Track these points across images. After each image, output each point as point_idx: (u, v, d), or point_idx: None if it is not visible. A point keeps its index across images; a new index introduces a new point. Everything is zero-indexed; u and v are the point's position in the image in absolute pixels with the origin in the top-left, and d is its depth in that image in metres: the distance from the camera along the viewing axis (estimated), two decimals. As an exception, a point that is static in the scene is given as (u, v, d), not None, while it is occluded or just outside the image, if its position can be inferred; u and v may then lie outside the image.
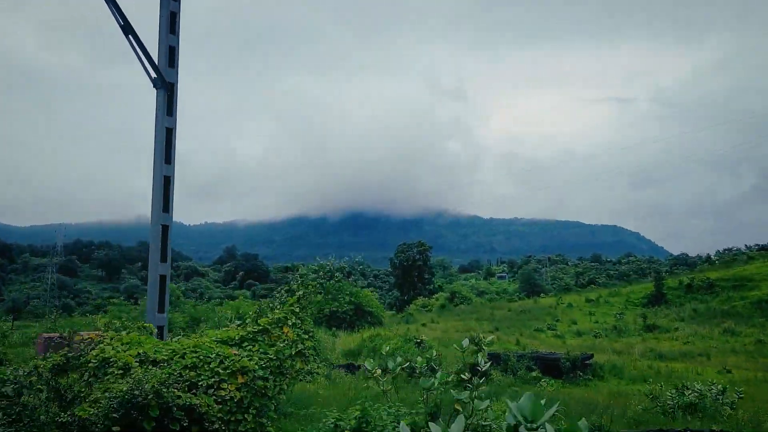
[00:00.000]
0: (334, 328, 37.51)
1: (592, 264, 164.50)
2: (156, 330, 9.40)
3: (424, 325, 41.17)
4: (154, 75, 9.79)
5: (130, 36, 9.48)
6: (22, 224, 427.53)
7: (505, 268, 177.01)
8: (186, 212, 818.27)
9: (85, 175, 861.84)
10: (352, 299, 42.25)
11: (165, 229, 10.04)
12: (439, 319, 45.16)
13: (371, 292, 45.36)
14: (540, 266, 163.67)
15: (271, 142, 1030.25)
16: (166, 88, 9.91)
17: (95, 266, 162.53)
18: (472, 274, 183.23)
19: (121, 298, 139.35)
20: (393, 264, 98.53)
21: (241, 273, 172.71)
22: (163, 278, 10.04)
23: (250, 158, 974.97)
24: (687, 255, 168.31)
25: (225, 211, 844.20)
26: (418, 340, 24.89)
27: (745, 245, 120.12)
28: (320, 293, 43.71)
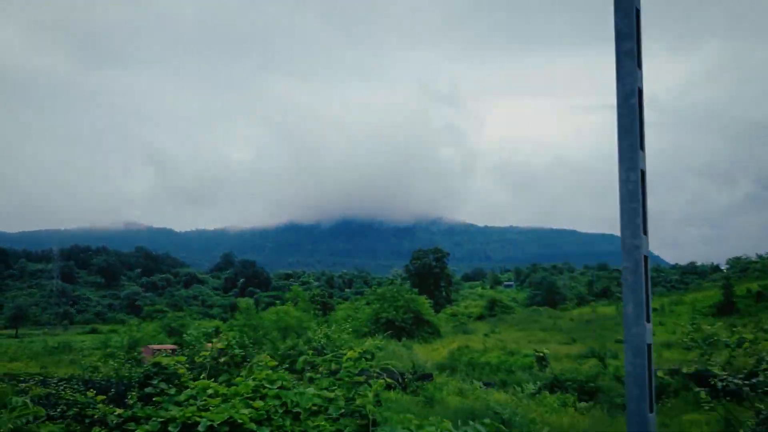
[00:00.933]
0: (403, 338, 34.71)
1: (600, 272, 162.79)
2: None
3: (486, 335, 38.33)
4: None
5: None
6: (11, 230, 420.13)
7: (511, 276, 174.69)
8: (175, 218, 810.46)
9: (73, 180, 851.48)
10: (410, 306, 39.33)
11: (643, 176, 6.92)
12: (498, 329, 42.40)
13: (426, 299, 42.38)
14: (549, 274, 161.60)
15: (261, 148, 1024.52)
16: None
17: (93, 272, 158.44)
18: (477, 282, 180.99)
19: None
20: (408, 271, 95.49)
21: (241, 280, 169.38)
22: (645, 261, 6.94)
23: (241, 164, 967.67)
24: (695, 263, 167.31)
25: (215, 218, 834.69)
26: (540, 355, 22.13)
27: (756, 254, 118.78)
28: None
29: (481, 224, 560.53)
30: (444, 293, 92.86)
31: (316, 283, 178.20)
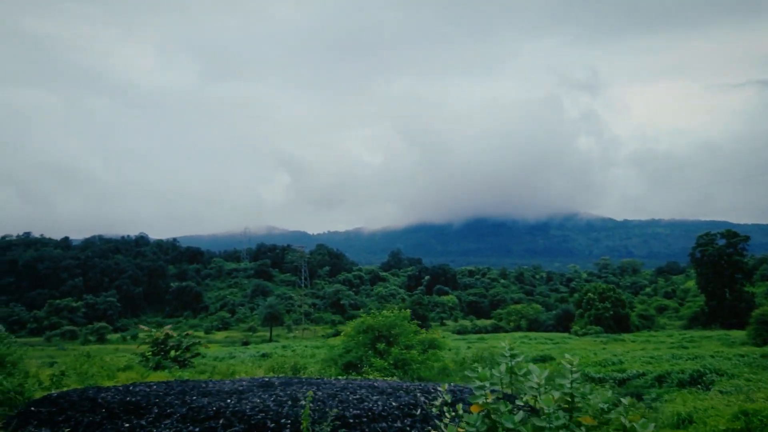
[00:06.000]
0: None
1: None
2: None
3: None
4: None
5: None
6: (162, 237, 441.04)
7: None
8: (309, 221, 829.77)
9: (213, 187, 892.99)
10: None
11: None
12: None
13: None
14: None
15: (389, 149, 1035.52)
16: None
17: (286, 271, 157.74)
18: (679, 276, 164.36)
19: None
20: (694, 259, 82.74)
21: (427, 278, 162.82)
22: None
23: (370, 165, 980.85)
24: None
25: (348, 220, 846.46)
26: None
27: None
28: None
29: (620, 218, 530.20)
30: (746, 288, 79.79)
31: (503, 281, 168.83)
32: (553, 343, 63.68)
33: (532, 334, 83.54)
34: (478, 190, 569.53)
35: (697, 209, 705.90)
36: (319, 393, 8.48)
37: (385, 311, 16.41)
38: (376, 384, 9.62)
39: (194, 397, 8.79)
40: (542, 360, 43.61)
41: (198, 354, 18.68)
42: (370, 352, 14.53)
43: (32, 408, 9.89)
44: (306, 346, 63.17)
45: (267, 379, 10.54)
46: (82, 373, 12.77)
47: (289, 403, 7.77)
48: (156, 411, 8.05)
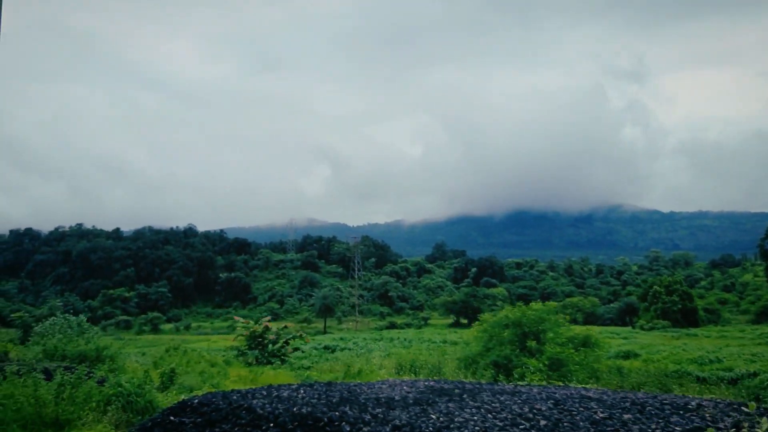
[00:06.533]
0: None
1: None
2: None
3: None
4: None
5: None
6: (206, 228, 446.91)
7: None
8: (349, 213, 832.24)
9: (255, 179, 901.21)
10: None
11: None
12: None
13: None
14: None
15: (429, 140, 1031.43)
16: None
17: (332, 262, 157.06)
18: (734, 268, 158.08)
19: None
20: (763, 251, 78.63)
21: (473, 270, 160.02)
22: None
23: (409, 157, 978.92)
24: None
25: (388, 212, 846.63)
26: None
27: None
28: None
29: (666, 210, 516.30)
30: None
31: (552, 274, 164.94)
32: (622, 338, 60.90)
33: (593, 328, 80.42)
34: (520, 181, 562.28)
35: (747, 201, 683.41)
36: (543, 407, 6.69)
37: (533, 304, 14.67)
38: (588, 394, 7.79)
39: (378, 409, 7.11)
40: (626, 357, 41.25)
41: (297, 349, 17.23)
42: (517, 350, 12.85)
43: (171, 417, 8.32)
44: (365, 339, 61.81)
45: (434, 384, 8.86)
46: (202, 371, 11.26)
47: (527, 424, 5.99)
48: (347, 429, 6.38)
